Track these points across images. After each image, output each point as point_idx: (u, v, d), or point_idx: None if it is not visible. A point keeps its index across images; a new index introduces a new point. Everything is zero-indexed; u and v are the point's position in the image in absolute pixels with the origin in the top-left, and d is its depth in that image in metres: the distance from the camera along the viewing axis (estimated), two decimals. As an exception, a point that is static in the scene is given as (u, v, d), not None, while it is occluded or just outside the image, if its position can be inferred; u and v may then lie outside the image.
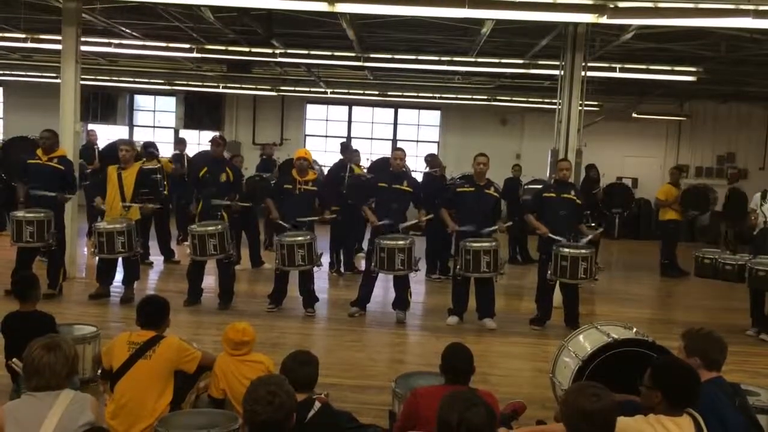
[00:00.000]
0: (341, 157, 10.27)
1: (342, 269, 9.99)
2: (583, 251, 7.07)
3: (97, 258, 7.66)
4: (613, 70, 11.02)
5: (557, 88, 8.81)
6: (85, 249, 10.21)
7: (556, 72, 9.17)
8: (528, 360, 6.58)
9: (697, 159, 17.37)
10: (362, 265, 8.81)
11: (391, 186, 7.49)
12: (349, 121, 18.10)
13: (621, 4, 6.63)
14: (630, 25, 8.48)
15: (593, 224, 8.76)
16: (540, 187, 8.60)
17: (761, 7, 6.29)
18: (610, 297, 9.48)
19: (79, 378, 4.63)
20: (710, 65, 11.19)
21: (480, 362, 3.84)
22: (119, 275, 7.84)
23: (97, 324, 5.50)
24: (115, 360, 3.93)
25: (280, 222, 7.46)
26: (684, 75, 11.26)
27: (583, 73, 8.48)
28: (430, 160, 10.93)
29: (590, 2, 6.68)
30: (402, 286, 7.49)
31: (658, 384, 3.06)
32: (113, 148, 10.14)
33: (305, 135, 17.95)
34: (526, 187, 11.76)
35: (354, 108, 17.96)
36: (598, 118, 14.55)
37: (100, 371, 4.29)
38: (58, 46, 8.66)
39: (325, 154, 16.43)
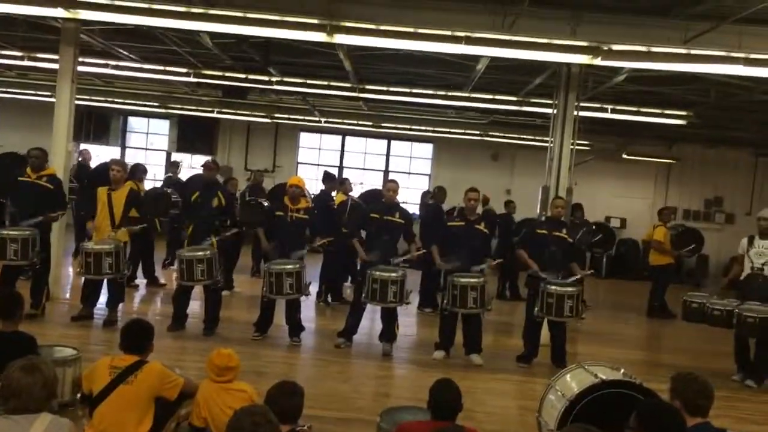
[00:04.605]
0: (323, 187, 10.33)
1: (329, 299, 9.93)
2: (569, 289, 7.07)
3: (83, 278, 7.57)
4: (605, 110, 11.19)
5: (549, 126, 8.90)
6: (71, 269, 10.11)
7: (548, 110, 9.28)
8: (514, 398, 6.53)
9: (685, 202, 17.53)
10: (350, 295, 8.76)
11: (383, 217, 7.48)
12: (342, 151, 18.17)
13: (615, 47, 6.75)
14: (622, 68, 8.62)
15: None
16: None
17: (752, 56, 6.43)
18: (597, 337, 9.45)
19: (58, 402, 4.53)
20: (700, 110, 11.38)
21: (466, 398, 3.80)
22: (103, 297, 7.73)
23: (79, 346, 5.40)
24: (96, 384, 3.86)
25: (268, 252, 7.44)
26: (673, 118, 11.43)
27: (575, 113, 8.59)
28: (436, 192, 10.97)
29: (585, 44, 6.81)
30: (389, 319, 7.44)
31: (643, 426, 3.05)
32: (103, 168, 10.08)
33: (297, 162, 18.00)
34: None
35: (347, 138, 18.06)
36: (588, 158, 14.70)
37: (79, 395, 4.21)
38: (55, 65, 8.68)
39: (317, 183, 16.45)
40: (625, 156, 16.64)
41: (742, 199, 17.25)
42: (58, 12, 7.26)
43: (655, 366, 7.97)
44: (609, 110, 11.19)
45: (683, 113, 11.20)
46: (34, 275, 7.49)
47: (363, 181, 17.06)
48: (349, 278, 10.30)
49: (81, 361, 5.01)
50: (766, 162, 17.07)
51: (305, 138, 18.15)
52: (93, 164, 12.32)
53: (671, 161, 17.19)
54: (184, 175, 12.61)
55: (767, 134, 14.53)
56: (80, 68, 9.05)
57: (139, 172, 9.79)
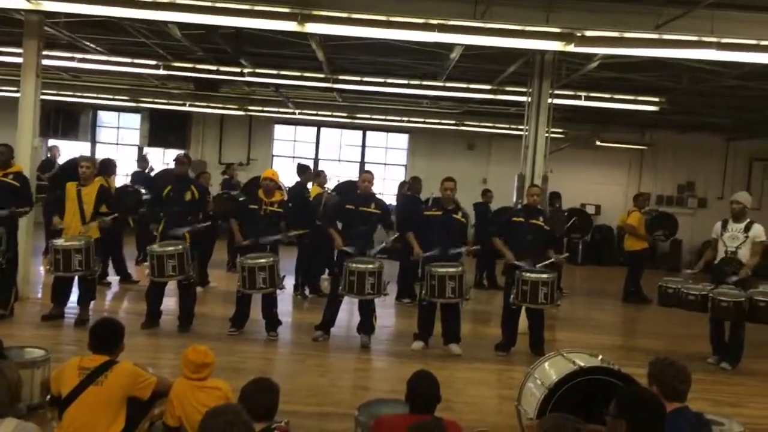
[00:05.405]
0: (299, 179, 10.23)
1: (306, 292, 9.85)
2: (543, 276, 7.09)
3: (53, 277, 7.39)
4: (579, 98, 11.22)
5: (524, 115, 8.88)
6: (41, 268, 9.89)
7: (523, 98, 9.26)
8: (493, 387, 6.53)
9: (658, 187, 17.73)
10: (328, 288, 8.69)
11: (359, 208, 7.41)
12: (317, 143, 18.05)
13: (588, 33, 6.73)
14: (595, 55, 8.63)
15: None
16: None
17: (724, 40, 6.45)
18: (574, 323, 9.51)
19: (27, 404, 4.43)
20: (672, 96, 11.46)
21: (445, 389, 3.77)
22: (74, 295, 7.57)
23: (49, 347, 5.28)
24: (65, 386, 3.74)
25: (244, 244, 7.34)
26: (647, 105, 11.50)
27: (549, 101, 8.57)
28: (412, 183, 10.93)
29: (558, 30, 6.78)
30: (367, 311, 7.38)
31: (623, 414, 3.04)
32: (71, 165, 9.89)
33: (272, 155, 17.85)
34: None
35: (322, 129, 17.94)
36: (563, 145, 14.77)
37: (48, 397, 4.08)
38: (19, 59, 8.45)
39: (293, 175, 16.32)
40: (599, 143, 16.75)
41: (714, 183, 17.50)
42: (20, 3, 7.04)
43: (633, 351, 8.04)
44: (583, 98, 11.23)
45: (656, 99, 11.28)
46: (1, 275, 7.30)
47: (339, 174, 16.98)
48: (326, 271, 10.23)
49: (50, 362, 4.89)
50: (736, 146, 17.31)
51: (280, 130, 18.00)
52: (61, 161, 12.04)
53: (644, 147, 17.35)
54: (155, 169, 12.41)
55: (738, 119, 14.72)
56: (45, 62, 8.84)
57: (109, 167, 9.59)
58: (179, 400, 3.89)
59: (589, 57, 8.84)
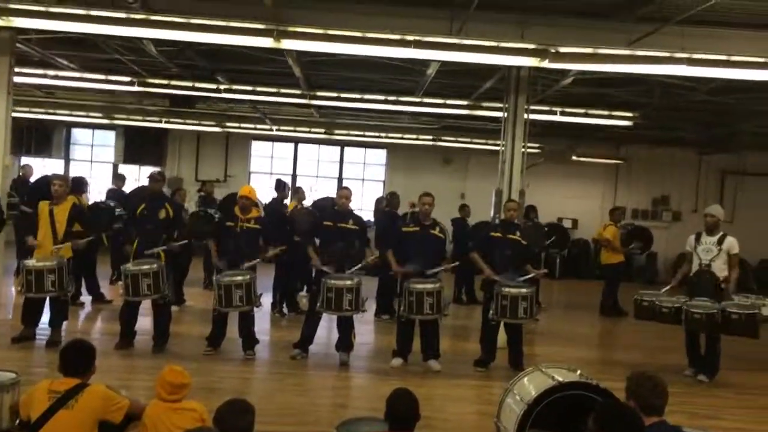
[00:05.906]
0: (275, 195, 10.17)
1: (285, 310, 9.76)
2: (522, 290, 7.09)
3: (23, 297, 7.23)
4: (554, 113, 11.34)
5: (501, 130, 8.94)
6: (12, 288, 9.69)
7: (499, 114, 9.33)
8: (473, 403, 6.49)
9: (633, 201, 17.93)
10: (306, 305, 8.61)
11: (337, 225, 7.37)
12: (295, 159, 18.01)
13: (562, 50, 6.82)
14: (570, 71, 8.74)
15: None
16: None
17: (694, 56, 6.57)
18: (553, 337, 9.53)
19: (-4, 429, 4.30)
20: (645, 111, 11.63)
21: (424, 406, 3.73)
22: (46, 316, 7.40)
23: (19, 370, 5.09)
24: (34, 410, 3.64)
25: (219, 266, 7.26)
26: (620, 120, 11.66)
27: (525, 116, 8.64)
28: (390, 198, 10.90)
29: (532, 46, 6.86)
30: (346, 328, 7.32)
31: (601, 428, 3.04)
32: (43, 183, 9.73)
33: (250, 172, 17.76)
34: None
35: (300, 145, 17.91)
36: (539, 160, 14.89)
37: (18, 422, 3.97)
38: (-11, 76, 8.32)
39: (271, 192, 16.24)
40: (574, 158, 16.92)
41: (687, 196, 17.74)
42: (-9, 20, 6.95)
43: (610, 364, 8.05)
44: (558, 113, 11.35)
45: (629, 114, 11.44)
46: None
47: (317, 190, 16.95)
48: (305, 288, 10.15)
49: (20, 386, 4.75)
50: (709, 160, 17.60)
51: (257, 146, 17.93)
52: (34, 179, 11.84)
53: (619, 162, 17.57)
54: (130, 187, 12.26)
55: (709, 133, 14.99)
56: (17, 79, 8.73)
57: (81, 186, 9.44)
58: (153, 423, 3.80)
59: (564, 73, 8.95)
